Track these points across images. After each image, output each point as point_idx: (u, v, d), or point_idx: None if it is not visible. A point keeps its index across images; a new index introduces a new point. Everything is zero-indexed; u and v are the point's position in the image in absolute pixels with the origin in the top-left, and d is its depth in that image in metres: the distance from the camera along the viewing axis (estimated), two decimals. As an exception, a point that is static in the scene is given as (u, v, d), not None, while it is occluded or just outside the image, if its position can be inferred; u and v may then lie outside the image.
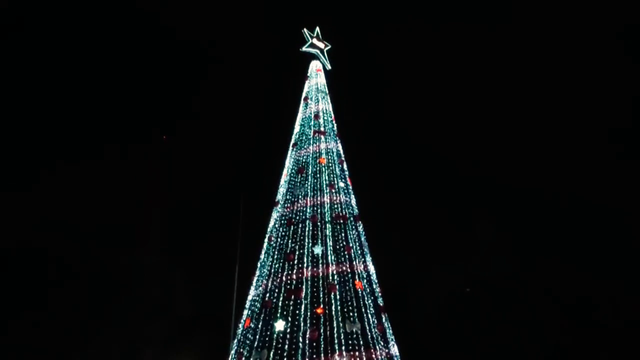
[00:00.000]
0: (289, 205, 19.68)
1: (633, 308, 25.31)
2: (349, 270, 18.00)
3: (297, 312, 16.78)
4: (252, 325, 17.42)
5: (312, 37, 24.03)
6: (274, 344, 16.37)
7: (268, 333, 16.74)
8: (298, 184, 20.05)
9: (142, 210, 26.19)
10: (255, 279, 19.04)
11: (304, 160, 20.73)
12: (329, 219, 18.95)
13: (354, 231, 19.34)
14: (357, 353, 16.21)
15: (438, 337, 27.44)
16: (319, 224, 18.75)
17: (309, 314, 16.68)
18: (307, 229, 18.66)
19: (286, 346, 16.19)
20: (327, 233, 18.60)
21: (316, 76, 23.81)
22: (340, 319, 16.69)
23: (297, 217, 19.12)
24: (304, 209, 19.20)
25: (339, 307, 16.93)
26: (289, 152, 21.70)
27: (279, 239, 18.98)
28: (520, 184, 31.77)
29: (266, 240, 19.78)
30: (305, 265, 17.75)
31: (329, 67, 24.46)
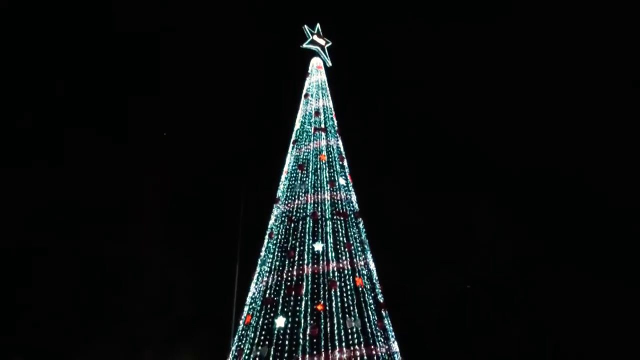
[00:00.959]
0: (289, 202, 19.68)
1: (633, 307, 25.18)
2: (349, 267, 18.02)
3: (298, 308, 16.79)
4: (253, 322, 17.42)
5: (312, 34, 24.00)
6: (275, 340, 16.38)
7: (268, 330, 16.75)
8: (299, 181, 20.05)
9: (140, 205, 26.15)
10: (255, 275, 19.05)
11: (304, 157, 20.73)
12: (330, 216, 18.96)
13: (354, 228, 19.35)
14: (357, 349, 16.21)
15: (438, 334, 27.44)
16: (319, 220, 18.76)
17: (309, 310, 16.69)
18: (307, 225, 18.68)
19: (287, 342, 16.19)
20: (328, 230, 18.62)
21: (317, 73, 23.80)
22: (340, 315, 16.71)
23: (298, 214, 19.14)
24: (305, 206, 19.22)
25: (339, 304, 16.94)
26: (290, 149, 21.70)
27: (279, 236, 19.00)
28: (523, 173, 31.62)
29: (266, 236, 19.78)
30: (305, 261, 17.77)
31: (329, 64, 24.44)
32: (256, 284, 18.74)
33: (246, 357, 16.69)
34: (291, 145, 21.77)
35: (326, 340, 16.14)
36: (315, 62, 24.22)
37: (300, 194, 19.63)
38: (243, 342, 17.30)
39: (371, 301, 17.82)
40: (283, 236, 18.88)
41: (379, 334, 17.20)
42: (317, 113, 22.14)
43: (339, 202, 19.56)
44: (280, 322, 16.64)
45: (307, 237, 18.39)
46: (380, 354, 16.73)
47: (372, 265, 19.16)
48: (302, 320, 16.51)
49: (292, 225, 18.94)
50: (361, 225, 19.87)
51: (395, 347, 17.72)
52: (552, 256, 28.48)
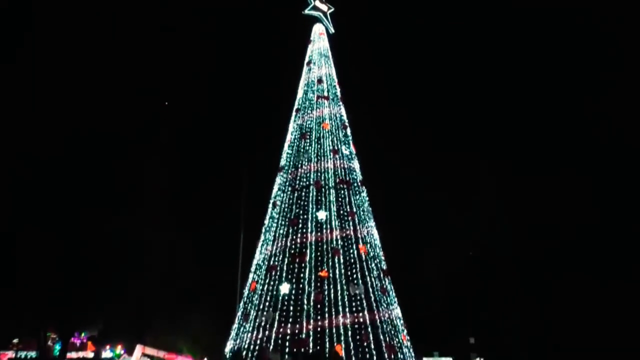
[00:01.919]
0: (293, 170, 19.67)
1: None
2: (352, 235, 18.12)
3: (302, 275, 17.02)
4: (258, 288, 17.71)
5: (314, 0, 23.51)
6: (280, 306, 16.68)
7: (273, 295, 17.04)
8: (302, 149, 19.97)
9: (146, 176, 26.19)
10: (260, 243, 19.24)
11: (307, 125, 20.59)
12: (333, 184, 18.96)
13: (357, 196, 19.38)
14: (360, 315, 16.48)
15: (440, 300, 27.85)
16: (322, 189, 18.79)
17: (313, 277, 16.92)
18: (311, 194, 18.71)
19: (291, 308, 16.49)
20: (331, 198, 18.66)
21: (319, 40, 23.40)
22: (344, 282, 16.92)
23: (301, 183, 19.17)
24: (308, 175, 19.21)
25: (342, 271, 17.14)
26: (292, 117, 21.55)
27: (283, 205, 19.08)
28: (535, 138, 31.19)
29: (270, 205, 19.88)
30: (309, 230, 17.88)
31: (332, 30, 23.99)
32: (260, 251, 18.96)
33: (252, 321, 17.05)
34: (294, 113, 21.61)
35: (330, 305, 16.39)
36: (318, 29, 23.77)
37: (304, 162, 19.61)
38: (248, 307, 17.64)
39: (374, 268, 18.00)
40: (287, 205, 18.98)
41: (381, 299, 17.45)
42: (320, 80, 21.88)
43: (342, 170, 19.53)
44: (284, 288, 16.91)
45: (310, 205, 18.46)
46: (382, 318, 17.00)
47: (375, 233, 19.26)
48: (307, 287, 16.76)
49: (296, 193, 18.99)
50: (364, 194, 19.90)
51: (397, 312, 17.99)
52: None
